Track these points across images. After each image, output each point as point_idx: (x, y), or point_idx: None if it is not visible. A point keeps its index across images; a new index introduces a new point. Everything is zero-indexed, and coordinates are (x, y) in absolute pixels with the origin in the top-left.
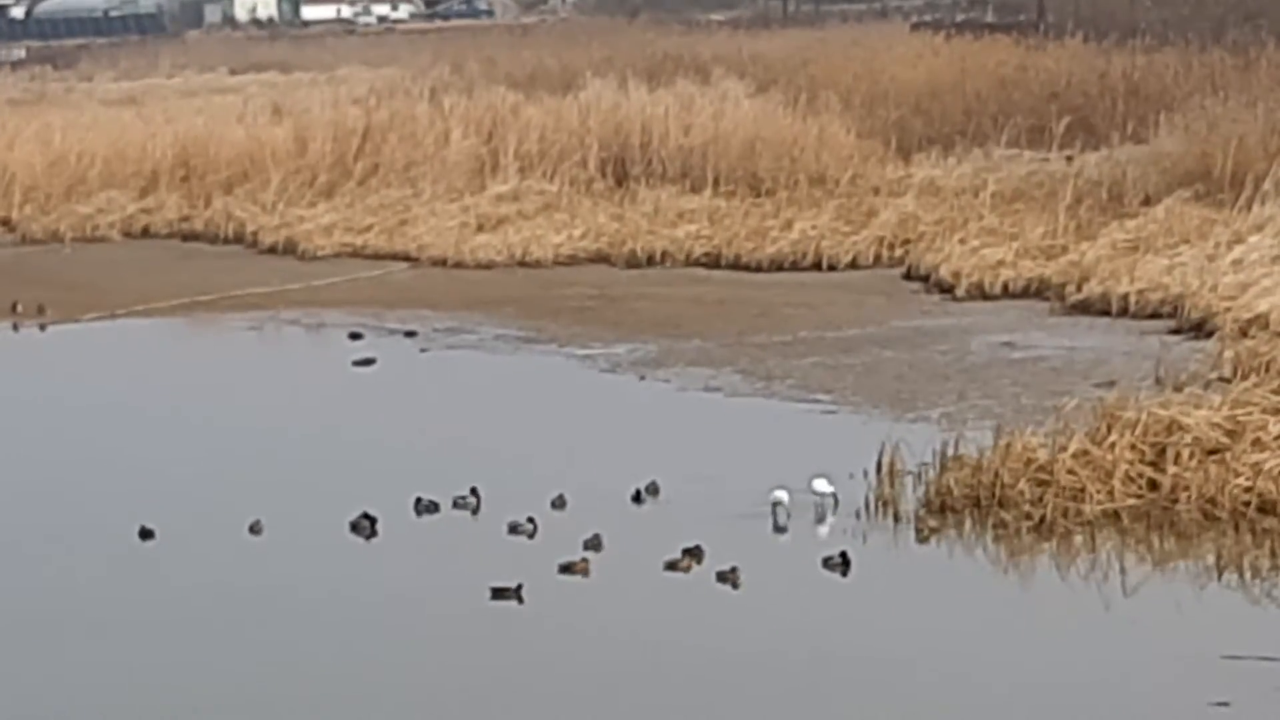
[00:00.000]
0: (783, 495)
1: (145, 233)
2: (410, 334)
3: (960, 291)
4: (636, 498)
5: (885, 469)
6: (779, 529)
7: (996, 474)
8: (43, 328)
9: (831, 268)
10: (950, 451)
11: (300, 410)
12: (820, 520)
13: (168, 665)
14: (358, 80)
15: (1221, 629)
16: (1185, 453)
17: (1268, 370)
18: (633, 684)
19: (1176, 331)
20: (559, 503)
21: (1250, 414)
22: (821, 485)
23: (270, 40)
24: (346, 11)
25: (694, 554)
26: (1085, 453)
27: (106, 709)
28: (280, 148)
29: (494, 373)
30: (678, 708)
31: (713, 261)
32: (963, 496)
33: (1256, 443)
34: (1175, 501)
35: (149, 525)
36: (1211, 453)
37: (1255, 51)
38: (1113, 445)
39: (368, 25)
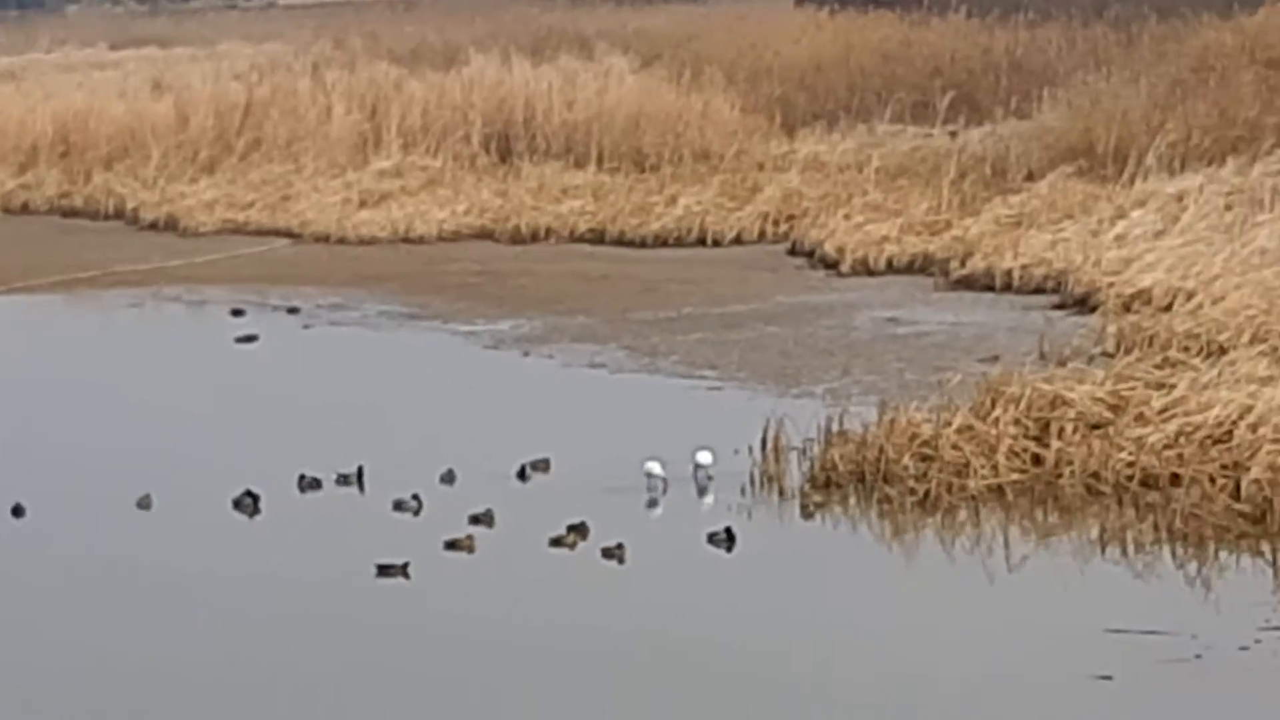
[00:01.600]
0: (655, 467)
1: (24, 209)
2: (293, 310)
3: (845, 267)
4: (522, 474)
5: (770, 445)
6: (652, 503)
7: (881, 449)
8: None
9: (716, 243)
10: (835, 427)
11: (182, 387)
12: (703, 493)
13: (43, 642)
14: (239, 56)
15: (1105, 603)
16: (1069, 427)
17: (1150, 345)
18: (516, 660)
19: (1060, 307)
20: (448, 477)
21: (1133, 389)
22: (704, 457)
23: (151, 15)
24: None
25: (579, 530)
26: (969, 428)
27: None
28: (161, 123)
29: (377, 349)
30: (559, 683)
31: (597, 237)
32: (847, 472)
33: (1139, 417)
34: (1059, 476)
35: (22, 502)
36: (1095, 427)
37: (1137, 27)
38: (997, 420)
39: (249, 0)
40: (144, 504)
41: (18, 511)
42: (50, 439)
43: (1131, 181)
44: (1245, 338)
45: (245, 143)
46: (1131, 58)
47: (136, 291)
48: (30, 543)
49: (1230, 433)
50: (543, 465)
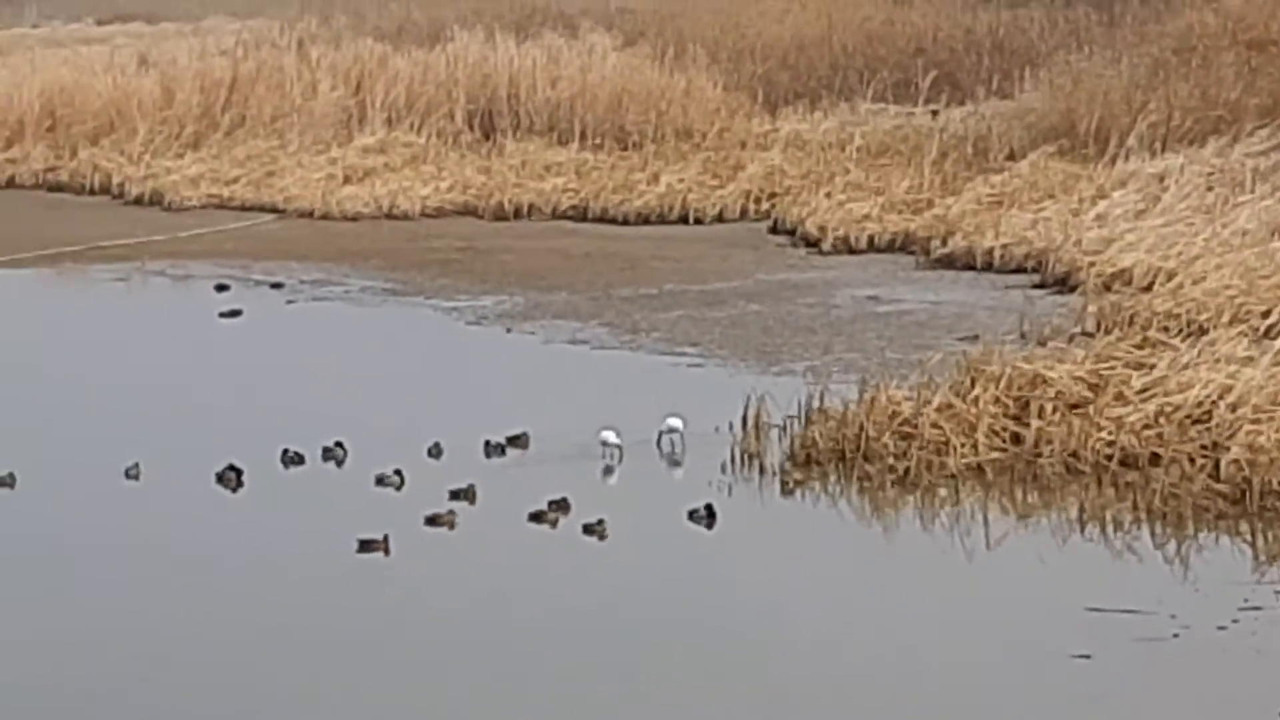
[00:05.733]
0: (610, 436)
1: (11, 183)
2: (277, 285)
3: (826, 245)
4: (501, 450)
5: (750, 422)
6: (608, 470)
7: (861, 427)
8: None
9: (698, 221)
10: (815, 404)
11: (166, 362)
12: (675, 462)
13: (28, 616)
14: (225, 31)
15: (1084, 582)
16: (1048, 406)
17: (1130, 324)
18: (496, 639)
19: (1040, 286)
20: (435, 451)
21: (1113, 368)
22: (674, 423)
23: None
24: None
25: (560, 506)
26: (949, 406)
27: None
28: (147, 99)
29: (360, 325)
30: (540, 662)
31: (579, 214)
32: (828, 449)
33: (1119, 396)
34: (1038, 455)
35: (14, 472)
36: (1074, 406)
37: (1119, 7)
38: (976, 399)
39: None
40: (132, 473)
41: (7, 482)
42: (37, 413)
43: (1113, 161)
44: (1225, 318)
45: (230, 119)
46: (1113, 38)
47: (121, 266)
48: (18, 513)
49: (1209, 413)
50: (522, 441)
